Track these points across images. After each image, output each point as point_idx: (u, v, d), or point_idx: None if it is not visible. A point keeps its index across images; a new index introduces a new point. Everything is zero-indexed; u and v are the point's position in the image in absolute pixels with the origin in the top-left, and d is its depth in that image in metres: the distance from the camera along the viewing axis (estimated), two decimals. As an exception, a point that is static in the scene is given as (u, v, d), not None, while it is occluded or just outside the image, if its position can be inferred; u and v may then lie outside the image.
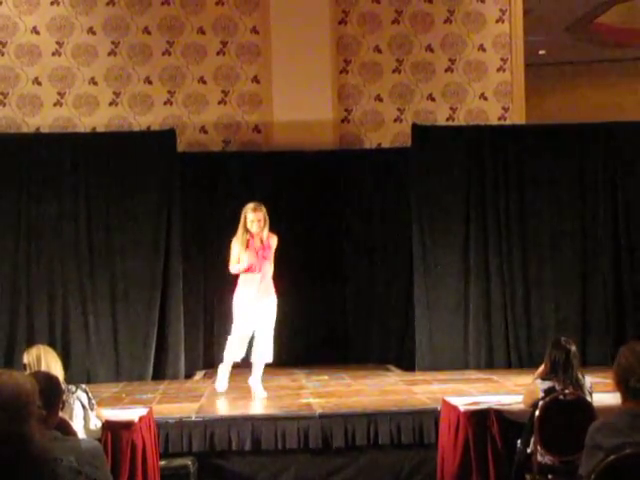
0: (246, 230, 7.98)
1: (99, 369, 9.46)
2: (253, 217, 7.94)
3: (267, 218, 8.02)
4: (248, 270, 7.93)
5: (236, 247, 7.99)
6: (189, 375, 9.69)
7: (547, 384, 5.64)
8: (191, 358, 9.91)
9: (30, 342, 8.90)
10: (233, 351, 8.12)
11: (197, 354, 10.21)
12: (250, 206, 8.01)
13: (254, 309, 7.98)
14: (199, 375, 9.86)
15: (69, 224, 9.60)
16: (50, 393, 3.69)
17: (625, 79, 16.62)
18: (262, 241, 8.01)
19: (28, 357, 5.36)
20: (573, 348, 5.72)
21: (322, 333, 10.44)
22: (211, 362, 10.28)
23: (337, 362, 9.98)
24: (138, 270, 9.57)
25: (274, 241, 8.08)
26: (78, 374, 8.84)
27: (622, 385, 3.66)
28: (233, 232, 10.29)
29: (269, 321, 8.09)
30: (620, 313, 9.82)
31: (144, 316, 9.54)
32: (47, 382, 3.78)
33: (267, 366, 9.35)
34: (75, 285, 9.54)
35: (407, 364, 9.88)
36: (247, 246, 7.95)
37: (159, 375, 9.47)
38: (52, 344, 8.73)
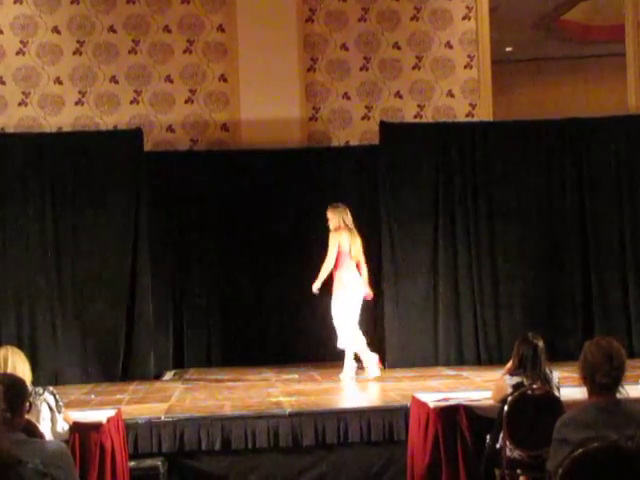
0: None
1: (67, 370, 9.39)
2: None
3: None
4: None
5: None
6: (158, 375, 9.64)
7: (515, 380, 5.67)
8: (160, 358, 9.86)
9: (-3, 343, 8.84)
10: None
11: (166, 354, 10.16)
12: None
13: None
14: (168, 375, 9.81)
15: (35, 224, 9.53)
16: (14, 395, 3.64)
17: (591, 76, 16.74)
18: None
19: (-6, 359, 5.29)
20: (540, 343, 5.75)
21: (292, 332, 10.43)
22: (180, 362, 10.27)
23: (307, 360, 9.96)
24: (106, 270, 9.52)
25: None
26: (46, 376, 8.79)
27: (588, 380, 3.69)
28: (201, 231, 10.34)
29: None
30: (588, 309, 9.90)
31: (112, 317, 9.49)
32: (12, 384, 3.73)
33: (236, 366, 9.49)
34: (42, 286, 9.47)
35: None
36: None
37: (128, 376, 9.42)
38: (20, 345, 8.65)
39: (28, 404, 4.49)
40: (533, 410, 5.45)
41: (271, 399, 7.78)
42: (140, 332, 9.51)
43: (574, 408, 3.85)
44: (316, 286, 8.90)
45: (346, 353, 8.97)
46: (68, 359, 9.42)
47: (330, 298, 9.53)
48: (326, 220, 9.06)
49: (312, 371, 9.51)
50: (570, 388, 5.97)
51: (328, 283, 8.94)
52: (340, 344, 8.96)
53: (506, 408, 5.48)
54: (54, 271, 9.49)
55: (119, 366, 9.44)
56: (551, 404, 5.43)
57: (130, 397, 8.10)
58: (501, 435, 5.58)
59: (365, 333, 10.41)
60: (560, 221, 10.04)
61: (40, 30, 10.62)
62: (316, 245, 10.10)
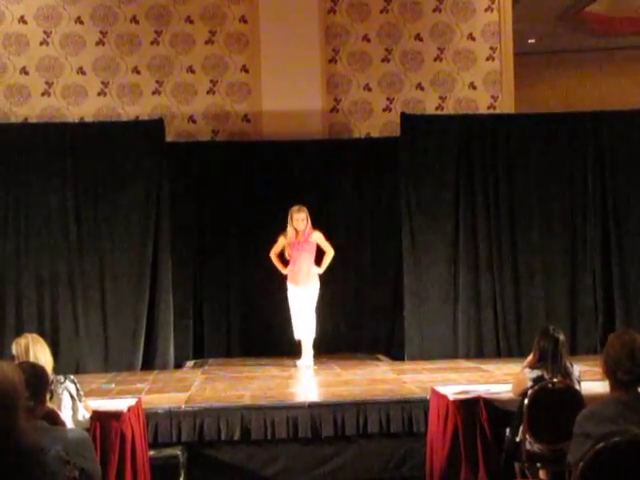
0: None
1: (88, 359, 9.44)
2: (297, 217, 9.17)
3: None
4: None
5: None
6: (178, 365, 9.68)
7: (536, 373, 5.66)
8: (180, 348, 9.90)
9: (19, 332, 8.87)
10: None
11: (187, 344, 10.20)
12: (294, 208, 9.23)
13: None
14: (189, 365, 9.85)
15: (57, 214, 9.57)
16: (36, 383, 3.67)
17: (613, 68, 16.64)
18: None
19: (17, 347, 5.34)
20: (561, 337, 5.73)
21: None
22: (201, 352, 10.31)
23: (327, 351, 9.97)
24: (127, 260, 9.55)
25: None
26: (67, 364, 8.83)
27: (611, 375, 3.67)
28: (221, 222, 10.39)
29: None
30: (609, 301, 9.84)
31: (133, 306, 9.52)
32: (33, 372, 3.76)
33: (255, 356, 9.56)
34: (64, 275, 9.52)
35: (397, 353, 9.90)
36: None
37: (148, 365, 9.46)
38: (41, 334, 8.68)
39: (49, 392, 4.53)
40: (553, 404, 5.44)
41: (291, 390, 7.79)
42: (161, 322, 9.54)
43: (596, 402, 3.83)
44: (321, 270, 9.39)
45: (304, 342, 9.33)
46: (89, 348, 9.47)
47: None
48: (286, 218, 9.31)
49: (331, 362, 9.51)
50: (591, 382, 5.95)
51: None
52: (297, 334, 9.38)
53: (526, 401, 5.46)
54: (76, 260, 9.53)
55: (139, 355, 9.47)
56: (572, 398, 5.42)
57: (150, 386, 8.14)
58: (521, 428, 5.57)
59: (386, 325, 10.50)
60: (582, 214, 9.97)
61: (63, 20, 10.66)
62: (335, 235, 10.13)
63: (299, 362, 9.27)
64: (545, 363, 5.68)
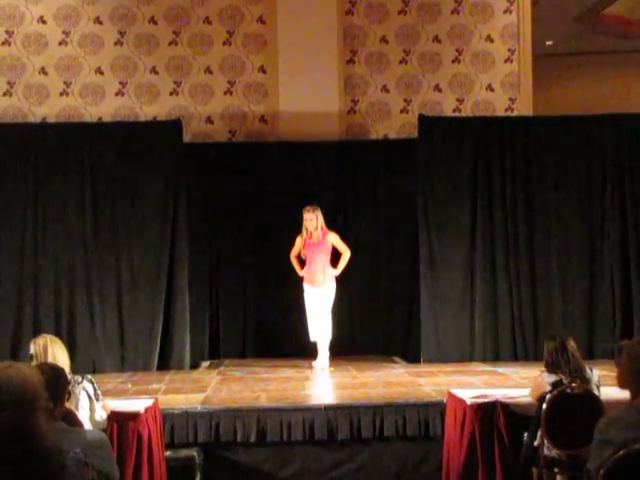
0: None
1: (105, 359, 9.46)
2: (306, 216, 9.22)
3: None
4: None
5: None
6: (194, 365, 9.69)
7: (554, 377, 5.63)
8: (196, 348, 9.91)
9: (36, 331, 8.91)
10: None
11: (202, 345, 10.21)
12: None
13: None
14: (204, 365, 9.87)
15: (75, 214, 9.60)
16: (56, 385, 3.68)
17: (632, 70, 16.55)
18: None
19: (35, 347, 5.36)
20: (571, 342, 5.71)
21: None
22: (216, 353, 10.31)
23: (343, 353, 9.96)
24: (144, 260, 9.58)
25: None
26: (84, 364, 8.86)
27: (634, 382, 3.62)
28: (238, 223, 10.40)
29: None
30: (626, 307, 9.78)
31: (150, 306, 9.54)
32: (53, 374, 3.77)
33: (272, 357, 9.57)
34: (81, 275, 9.55)
35: (412, 356, 9.88)
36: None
37: (164, 365, 9.47)
38: (58, 334, 8.72)
39: (68, 392, 4.53)
40: (572, 409, 5.41)
41: (306, 392, 7.77)
42: (177, 322, 9.55)
43: (617, 408, 3.80)
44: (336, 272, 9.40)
45: (319, 343, 9.36)
46: (106, 348, 9.49)
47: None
48: (301, 220, 9.35)
49: (347, 364, 9.50)
50: (611, 387, 5.90)
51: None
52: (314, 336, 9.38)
53: (544, 406, 5.43)
54: (93, 261, 9.56)
55: (156, 355, 9.49)
56: (590, 403, 5.39)
57: (167, 387, 8.15)
58: (539, 433, 5.54)
59: (402, 327, 10.47)
60: (601, 217, 9.92)
61: (82, 20, 10.69)
62: (352, 237, 10.13)
63: (315, 363, 9.26)
64: (560, 366, 5.65)
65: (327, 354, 9.31)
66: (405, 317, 10.40)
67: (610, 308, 9.83)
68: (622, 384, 3.72)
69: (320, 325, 9.28)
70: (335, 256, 9.43)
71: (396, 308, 10.50)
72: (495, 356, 9.69)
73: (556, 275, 9.87)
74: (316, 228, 9.27)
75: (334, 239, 9.37)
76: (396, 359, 10.02)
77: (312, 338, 9.37)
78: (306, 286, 9.39)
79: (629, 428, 3.49)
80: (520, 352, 9.72)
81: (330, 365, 9.25)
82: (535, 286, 9.84)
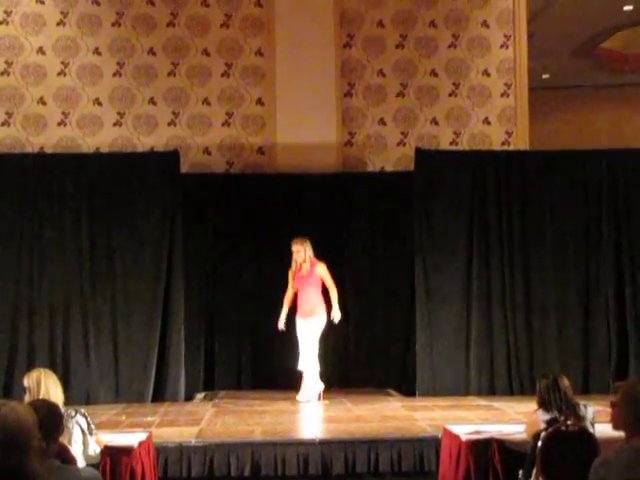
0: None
1: (99, 390, 9.42)
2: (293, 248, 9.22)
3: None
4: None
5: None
6: (189, 397, 9.65)
7: (549, 415, 5.60)
8: (191, 380, 9.87)
9: (31, 362, 8.91)
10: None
11: (197, 376, 10.17)
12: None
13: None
14: (199, 397, 9.82)
15: (71, 244, 9.59)
16: (50, 423, 3.66)
17: (629, 104, 16.65)
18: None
19: (28, 380, 5.33)
20: (564, 380, 5.69)
21: (323, 356, 10.39)
22: (211, 384, 10.27)
23: (338, 385, 9.92)
24: (139, 291, 9.56)
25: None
26: (78, 395, 8.84)
27: (632, 423, 3.60)
28: (235, 254, 10.39)
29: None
30: (622, 341, 9.78)
31: (145, 337, 9.52)
32: (47, 411, 3.75)
33: (266, 390, 9.49)
34: (76, 306, 9.52)
35: (408, 388, 9.85)
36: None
37: (159, 397, 9.44)
38: (52, 364, 8.76)
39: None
40: (567, 446, 5.37)
41: (301, 425, 7.74)
42: (172, 354, 9.52)
43: (612, 448, 3.79)
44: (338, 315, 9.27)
45: (305, 374, 9.24)
46: (100, 379, 9.45)
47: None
48: (290, 252, 9.33)
49: (341, 396, 9.47)
50: (606, 425, 5.88)
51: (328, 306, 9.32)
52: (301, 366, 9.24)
53: (539, 444, 5.41)
54: (89, 291, 9.54)
55: (150, 387, 9.45)
56: (586, 441, 5.35)
57: (161, 419, 8.11)
58: (534, 471, 5.51)
59: (397, 360, 10.42)
60: (596, 251, 9.94)
61: (81, 51, 10.74)
62: (347, 269, 10.12)
63: (298, 397, 9.15)
64: (551, 405, 5.63)
65: (312, 386, 9.17)
66: (401, 349, 10.38)
67: (606, 341, 9.82)
68: (617, 426, 3.71)
69: (306, 355, 9.19)
70: (326, 287, 9.38)
71: (392, 340, 10.47)
72: (491, 389, 9.67)
73: (552, 308, 9.87)
74: (304, 260, 9.23)
75: (322, 271, 9.28)
76: (391, 392, 9.99)
77: (299, 367, 9.26)
78: (297, 317, 9.36)
79: (623, 468, 3.48)
80: (516, 385, 9.70)
81: (324, 397, 9.20)
82: (531, 319, 9.84)
